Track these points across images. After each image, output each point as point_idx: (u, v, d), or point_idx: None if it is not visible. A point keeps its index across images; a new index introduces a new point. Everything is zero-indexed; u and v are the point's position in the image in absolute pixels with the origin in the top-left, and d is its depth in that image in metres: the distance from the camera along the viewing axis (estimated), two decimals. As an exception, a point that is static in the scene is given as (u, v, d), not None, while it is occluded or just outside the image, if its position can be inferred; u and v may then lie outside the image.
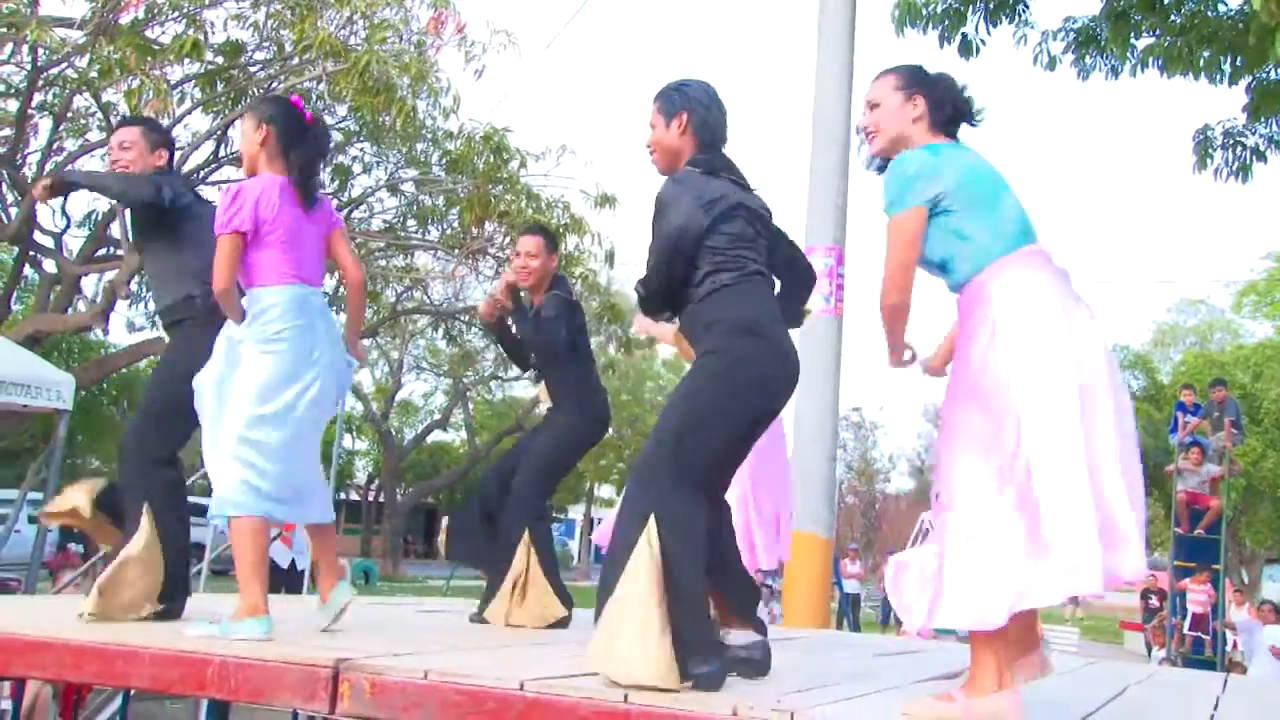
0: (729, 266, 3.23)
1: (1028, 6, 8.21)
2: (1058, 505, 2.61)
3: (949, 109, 3.05)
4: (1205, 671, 10.19)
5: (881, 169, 3.05)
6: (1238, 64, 8.27)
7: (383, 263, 14.80)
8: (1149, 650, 16.05)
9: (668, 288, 3.29)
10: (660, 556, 2.93)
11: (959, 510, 2.76)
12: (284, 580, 10.80)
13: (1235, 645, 13.72)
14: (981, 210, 2.88)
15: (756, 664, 3.28)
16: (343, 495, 37.04)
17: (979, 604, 2.67)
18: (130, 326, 15.86)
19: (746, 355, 3.14)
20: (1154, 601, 17.20)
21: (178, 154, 12.54)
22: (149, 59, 10.09)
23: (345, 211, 14.58)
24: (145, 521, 3.96)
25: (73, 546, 17.44)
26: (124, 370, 19.37)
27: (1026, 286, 2.84)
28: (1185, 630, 13.47)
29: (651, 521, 2.96)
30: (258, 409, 3.68)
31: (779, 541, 5.01)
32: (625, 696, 2.80)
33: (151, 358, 21.35)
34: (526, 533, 4.67)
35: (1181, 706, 3.79)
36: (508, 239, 13.06)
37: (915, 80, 3.07)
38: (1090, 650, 17.27)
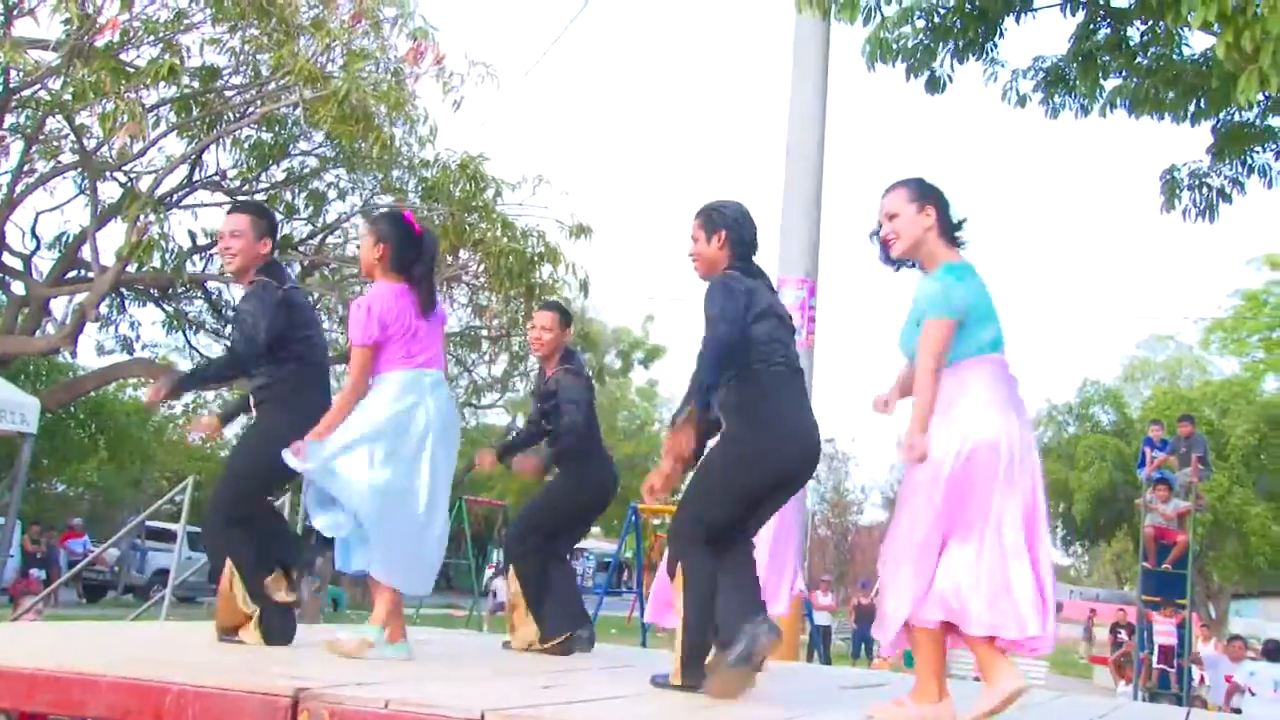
0: (758, 360, 3.77)
1: (996, 45, 8.32)
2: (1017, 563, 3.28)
3: (952, 218, 3.59)
4: (1170, 707, 10.24)
5: (897, 268, 3.65)
6: (1201, 106, 8.41)
7: (357, 289, 14.77)
8: (1115, 685, 16.08)
9: (716, 383, 3.75)
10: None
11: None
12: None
13: (1202, 680, 13.76)
14: (974, 326, 3.45)
15: None
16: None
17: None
18: (100, 349, 15.74)
19: (756, 440, 3.73)
20: (1122, 635, 17.25)
21: (151, 177, 12.61)
22: (124, 82, 10.09)
23: (319, 238, 14.57)
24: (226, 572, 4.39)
25: (34, 572, 17.23)
26: (93, 393, 19.20)
27: (978, 386, 3.41)
28: (1154, 664, 13.50)
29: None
30: None
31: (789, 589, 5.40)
32: (585, 728, 2.80)
33: (122, 380, 21.20)
34: (511, 568, 5.23)
35: None
36: (482, 266, 13.08)
37: (925, 193, 3.58)
38: (1059, 684, 17.30)
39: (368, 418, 4.21)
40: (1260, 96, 6.07)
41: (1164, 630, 13.56)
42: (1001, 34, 8.39)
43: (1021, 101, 9.04)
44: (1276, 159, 8.75)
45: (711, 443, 3.96)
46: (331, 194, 14.59)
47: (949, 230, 3.58)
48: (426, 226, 4.57)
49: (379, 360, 4.28)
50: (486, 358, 17.92)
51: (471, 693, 3.35)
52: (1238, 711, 11.50)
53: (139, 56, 11.46)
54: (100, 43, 10.61)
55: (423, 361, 4.31)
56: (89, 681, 3.22)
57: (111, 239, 17.80)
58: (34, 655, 3.46)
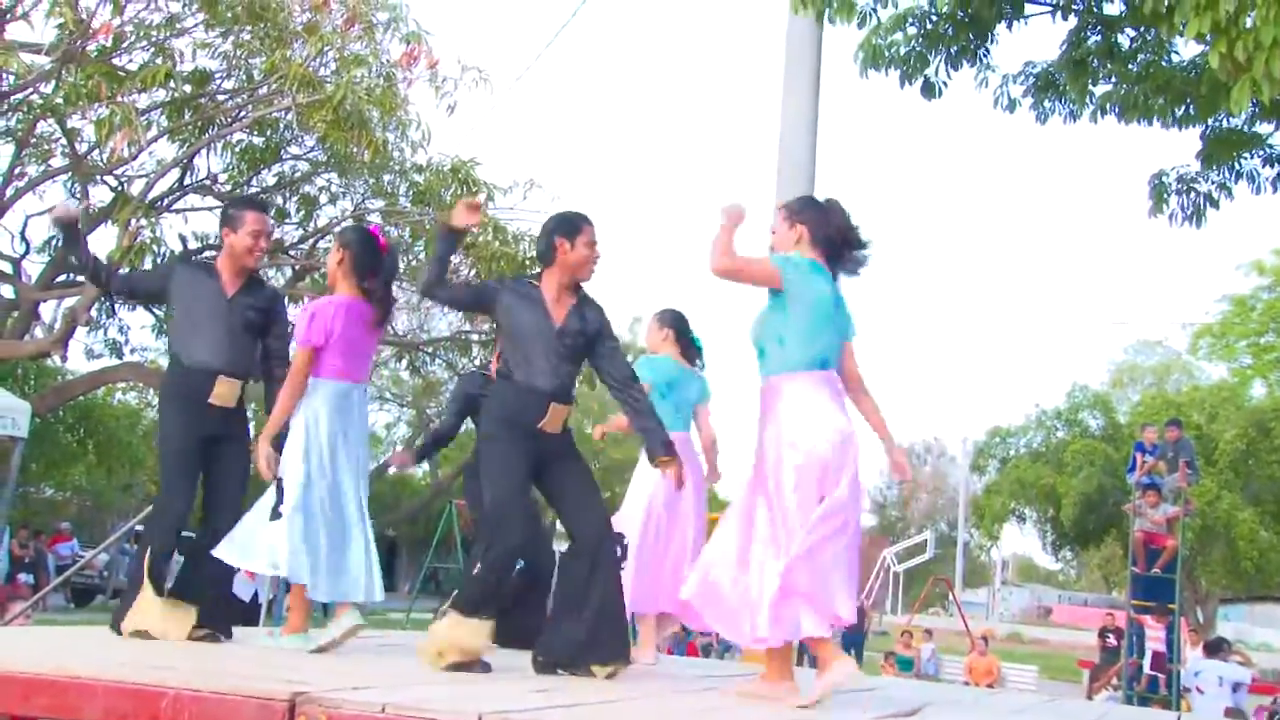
0: None
1: (989, 51, 8.36)
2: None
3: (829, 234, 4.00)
4: (1159, 711, 10.28)
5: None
6: (1190, 112, 8.47)
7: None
8: (1088, 692, 16.12)
9: None
10: None
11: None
12: (243, 612, 10.67)
13: (1199, 690, 13.81)
14: (806, 330, 3.86)
15: None
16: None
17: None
18: (89, 354, 15.69)
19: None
20: (1111, 640, 17.29)
21: (142, 182, 12.59)
22: (117, 87, 10.08)
23: (310, 242, 14.55)
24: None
25: (22, 577, 17.14)
26: (81, 398, 19.13)
27: (804, 397, 3.83)
28: (1145, 670, 13.55)
29: None
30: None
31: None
32: (583, 731, 2.81)
33: (111, 385, 21.13)
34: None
35: None
36: (474, 271, 13.08)
37: (794, 212, 4.07)
38: (1050, 689, 17.37)
39: (302, 429, 4.45)
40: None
41: (1156, 635, 13.61)
42: (994, 40, 8.44)
43: (1011, 106, 9.09)
44: (1264, 165, 8.82)
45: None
46: (323, 198, 14.58)
47: (822, 244, 3.99)
48: (392, 244, 4.81)
49: (317, 365, 4.50)
50: (477, 362, 17.91)
51: (468, 696, 3.36)
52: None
53: (131, 61, 11.46)
54: (93, 47, 10.61)
55: (357, 375, 4.61)
56: (85, 686, 3.22)
57: (102, 243, 17.79)
58: (29, 660, 3.46)
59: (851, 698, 4.52)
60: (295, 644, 4.46)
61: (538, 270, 4.46)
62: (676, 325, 5.59)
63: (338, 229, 14.23)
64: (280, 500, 4.35)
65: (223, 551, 4.39)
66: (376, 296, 4.61)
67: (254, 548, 4.35)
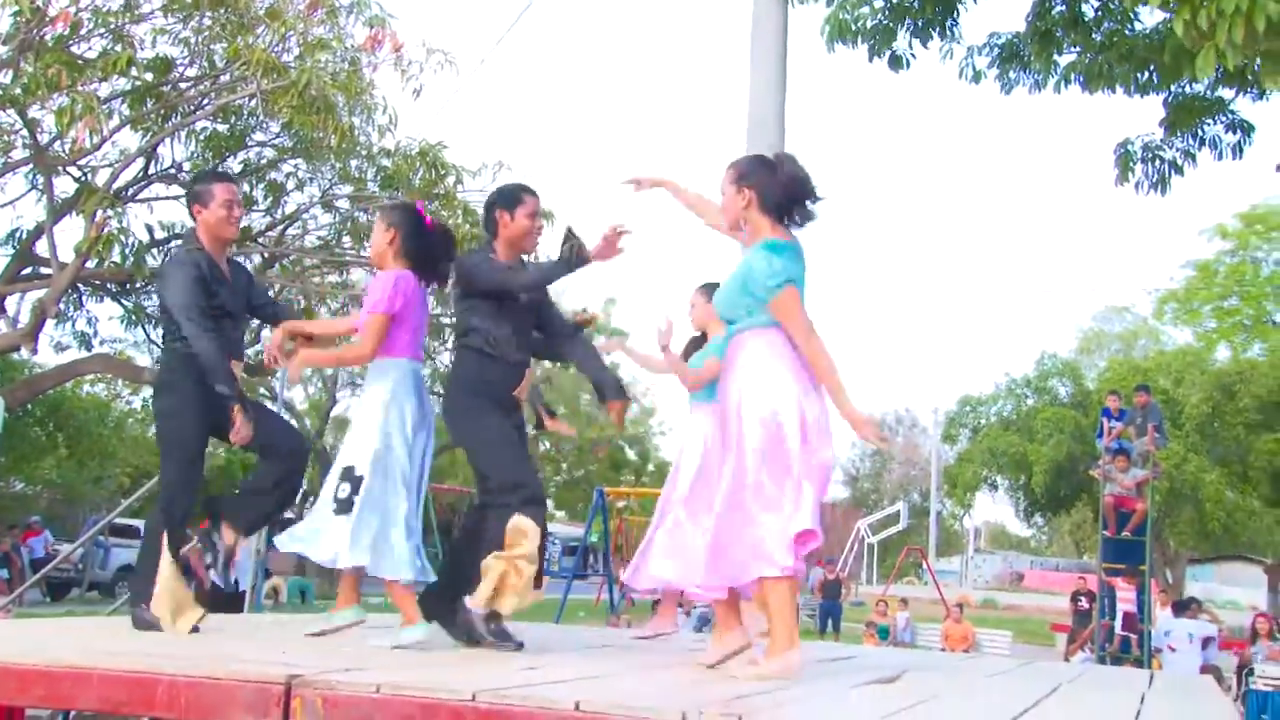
0: None
1: (956, 23, 8.42)
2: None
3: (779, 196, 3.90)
4: (1135, 670, 10.48)
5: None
6: (1154, 79, 8.56)
7: (317, 280, 14.68)
8: (1065, 654, 16.36)
9: None
10: None
11: None
12: (225, 600, 10.63)
13: (1170, 648, 14.07)
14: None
15: None
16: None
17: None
18: (57, 346, 15.53)
19: None
20: (1083, 603, 17.55)
21: (107, 172, 12.46)
22: (77, 76, 9.95)
23: (279, 229, 14.45)
24: None
25: (-1, 573, 17.04)
26: (51, 391, 18.96)
27: (769, 348, 3.79)
28: (1117, 630, 13.79)
29: None
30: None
31: None
32: (577, 704, 2.85)
33: (80, 377, 20.94)
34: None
35: (1109, 701, 3.93)
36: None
37: (743, 175, 3.94)
38: (1023, 652, 17.61)
39: (381, 412, 4.34)
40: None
41: (1126, 597, 13.85)
42: (961, 12, 8.49)
43: (976, 77, 9.15)
44: (1227, 130, 8.93)
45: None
46: (290, 184, 14.46)
47: (772, 209, 3.89)
48: (439, 221, 4.72)
49: (391, 341, 4.37)
50: (448, 345, 17.87)
51: (463, 675, 3.40)
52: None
53: (90, 49, 11.31)
54: (51, 36, 10.46)
55: (421, 354, 4.55)
56: (80, 675, 3.24)
57: (67, 234, 17.59)
58: (21, 651, 3.47)
59: (832, 666, 4.61)
60: (349, 617, 4.45)
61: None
62: None
63: (317, 208, 14.16)
64: (354, 490, 4.26)
65: (285, 543, 4.38)
66: (434, 278, 4.57)
67: (318, 540, 4.29)
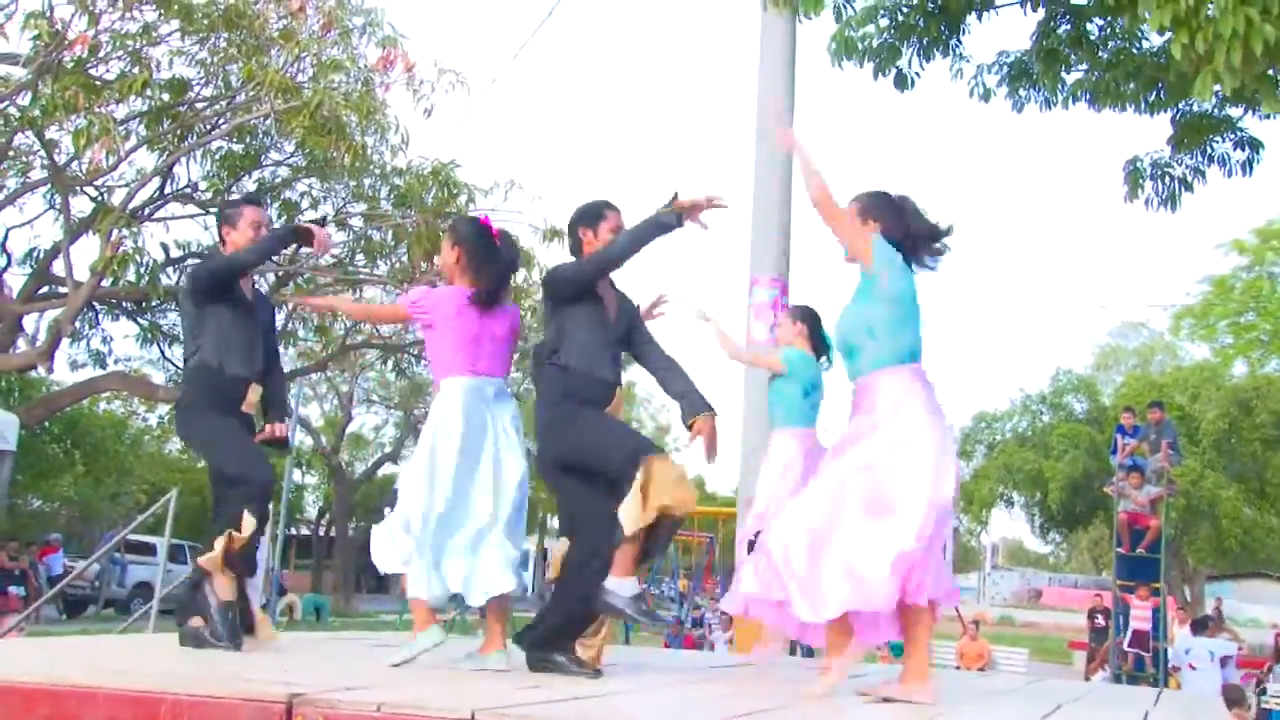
0: None
1: (961, 42, 8.43)
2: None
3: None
4: (1146, 689, 10.40)
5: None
6: (1161, 97, 8.55)
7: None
8: (1086, 673, 16.27)
9: None
10: None
11: None
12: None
13: (1191, 666, 13.98)
14: (897, 322, 3.81)
15: None
16: (293, 530, 36.57)
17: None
18: (73, 364, 15.67)
19: None
20: (1100, 621, 17.45)
21: (123, 191, 12.58)
22: (94, 97, 10.08)
23: (293, 248, 14.55)
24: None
25: (13, 589, 17.11)
26: (68, 408, 19.10)
27: (906, 391, 3.77)
28: (1125, 647, 13.71)
29: None
30: None
31: None
32: (574, 723, 2.88)
33: (97, 395, 21.06)
34: None
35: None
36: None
37: (869, 207, 3.94)
38: (1039, 670, 17.50)
39: (430, 431, 4.28)
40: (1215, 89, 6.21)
41: (1140, 615, 13.76)
42: (965, 31, 8.51)
43: (987, 96, 9.16)
44: (1235, 148, 8.91)
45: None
46: (304, 203, 14.58)
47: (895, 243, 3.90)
48: (506, 233, 4.60)
49: (441, 362, 4.35)
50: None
51: (461, 693, 3.42)
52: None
53: (108, 70, 11.45)
54: (69, 58, 10.60)
55: (483, 370, 4.34)
56: (84, 694, 3.27)
57: (84, 254, 17.74)
58: (27, 670, 3.51)
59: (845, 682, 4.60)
60: (430, 639, 4.25)
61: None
62: (810, 321, 5.65)
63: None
64: (393, 503, 4.27)
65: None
66: (490, 290, 4.37)
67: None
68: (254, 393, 4.68)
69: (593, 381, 4.23)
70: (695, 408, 4.24)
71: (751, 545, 4.80)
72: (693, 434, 4.28)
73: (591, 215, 4.37)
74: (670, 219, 4.13)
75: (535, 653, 4.21)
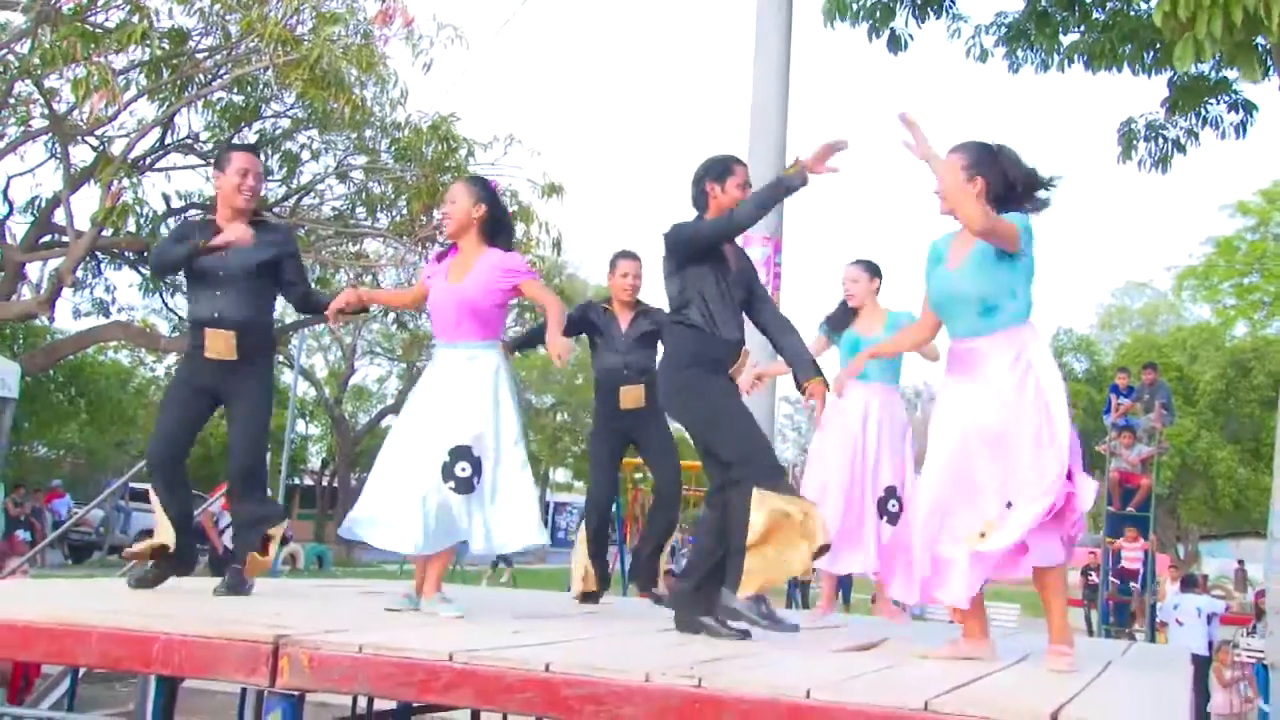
0: None
1: (954, 3, 8.45)
2: None
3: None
4: (1121, 641, 10.57)
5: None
6: (1158, 59, 8.58)
7: (333, 249, 14.84)
8: (1089, 627, 16.49)
9: None
10: None
11: None
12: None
13: (1178, 621, 14.19)
14: (1028, 287, 3.93)
15: None
16: (296, 480, 36.87)
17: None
18: (76, 313, 15.80)
19: None
20: (1093, 577, 17.64)
21: (124, 141, 12.62)
22: (94, 46, 10.09)
23: (294, 199, 14.61)
24: None
25: (20, 534, 17.35)
26: (71, 357, 19.24)
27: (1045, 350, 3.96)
28: (1112, 577, 13.97)
29: None
30: None
31: None
32: (547, 665, 3.01)
33: (101, 344, 21.21)
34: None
35: (1160, 682, 4.04)
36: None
37: (976, 163, 3.92)
38: (1034, 625, 17.66)
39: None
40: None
41: (1132, 555, 14.01)
42: (960, -10, 8.53)
43: (984, 56, 9.19)
44: (1229, 110, 8.95)
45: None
46: (305, 155, 14.62)
47: (993, 201, 3.89)
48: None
49: (489, 324, 4.46)
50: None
51: (441, 637, 3.56)
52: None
53: (107, 19, 11.44)
54: (68, 7, 10.60)
55: (455, 336, 4.52)
56: (81, 632, 3.42)
57: (85, 203, 17.79)
58: (28, 609, 3.65)
59: (821, 634, 4.74)
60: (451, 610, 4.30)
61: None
62: (884, 278, 5.72)
63: (331, 179, 14.30)
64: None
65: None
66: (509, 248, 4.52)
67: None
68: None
69: (719, 342, 4.25)
70: (808, 371, 4.34)
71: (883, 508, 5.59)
72: (806, 396, 4.37)
73: (719, 170, 4.34)
74: (794, 180, 4.12)
75: (684, 613, 4.26)
